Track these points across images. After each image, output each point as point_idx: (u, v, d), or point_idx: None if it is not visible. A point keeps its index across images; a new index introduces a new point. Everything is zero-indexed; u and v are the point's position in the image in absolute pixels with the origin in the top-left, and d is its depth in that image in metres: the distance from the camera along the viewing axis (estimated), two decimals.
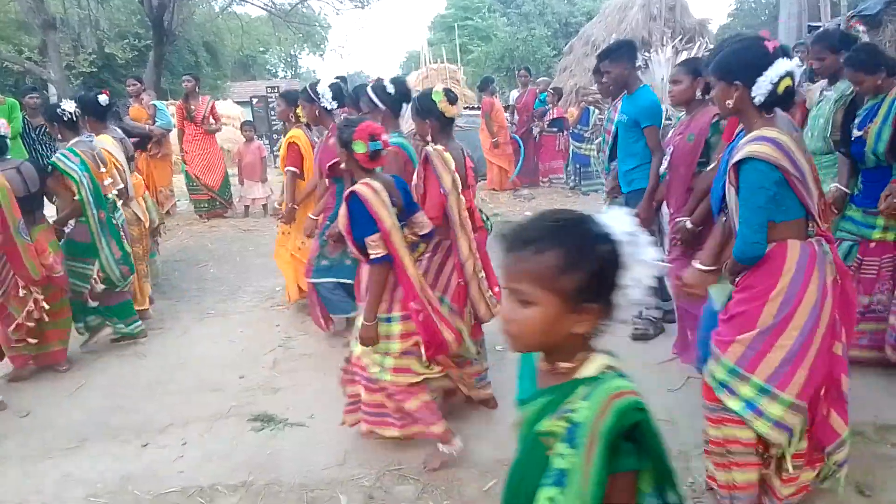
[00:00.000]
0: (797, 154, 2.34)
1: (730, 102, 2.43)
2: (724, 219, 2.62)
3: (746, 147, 2.34)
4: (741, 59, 2.41)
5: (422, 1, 63.44)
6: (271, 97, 15.44)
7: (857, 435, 3.12)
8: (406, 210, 3.04)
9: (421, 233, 3.11)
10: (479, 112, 10.98)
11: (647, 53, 12.17)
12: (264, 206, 9.37)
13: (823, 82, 4.31)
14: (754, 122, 2.42)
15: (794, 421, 2.34)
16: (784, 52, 2.38)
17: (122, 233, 4.65)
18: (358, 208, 2.84)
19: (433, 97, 3.36)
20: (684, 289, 2.75)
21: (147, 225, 5.25)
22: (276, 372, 4.20)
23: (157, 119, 8.67)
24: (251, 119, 12.57)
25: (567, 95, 12.93)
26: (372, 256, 2.86)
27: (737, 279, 2.48)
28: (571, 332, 1.24)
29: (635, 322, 4.41)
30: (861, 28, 5.06)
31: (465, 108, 13.09)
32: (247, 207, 9.36)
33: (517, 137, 10.72)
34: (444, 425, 3.03)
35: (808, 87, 4.76)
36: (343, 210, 2.93)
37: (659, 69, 10.33)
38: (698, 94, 3.73)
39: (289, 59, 36.77)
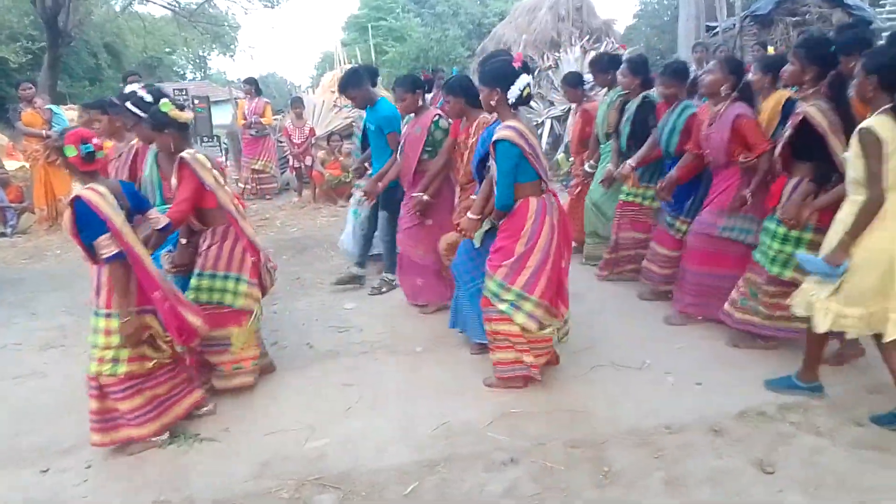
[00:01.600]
0: (530, 137, 3.42)
1: (493, 102, 3.45)
2: (488, 182, 3.64)
3: (499, 132, 3.40)
4: (500, 73, 3.43)
5: (334, 1, 62.63)
6: (182, 97, 14.85)
7: (760, 414, 3.28)
8: (135, 211, 3.20)
9: (156, 228, 3.31)
10: None
11: (556, 53, 12.45)
12: None
13: (605, 89, 5.87)
14: (506, 116, 3.46)
15: (540, 314, 3.49)
16: (525, 68, 3.41)
17: None
18: (85, 212, 2.95)
19: (163, 109, 3.56)
20: (460, 232, 3.84)
21: None
22: None
23: (53, 124, 8.21)
24: None
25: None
26: (105, 255, 2.98)
27: (500, 223, 3.58)
28: None
29: (378, 284, 5.52)
30: (626, 51, 6.30)
31: None
32: None
33: None
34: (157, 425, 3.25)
35: (595, 93, 6.67)
36: (68, 215, 3.00)
37: (569, 68, 10.58)
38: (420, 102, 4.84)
39: (197, 61, 35.51)
